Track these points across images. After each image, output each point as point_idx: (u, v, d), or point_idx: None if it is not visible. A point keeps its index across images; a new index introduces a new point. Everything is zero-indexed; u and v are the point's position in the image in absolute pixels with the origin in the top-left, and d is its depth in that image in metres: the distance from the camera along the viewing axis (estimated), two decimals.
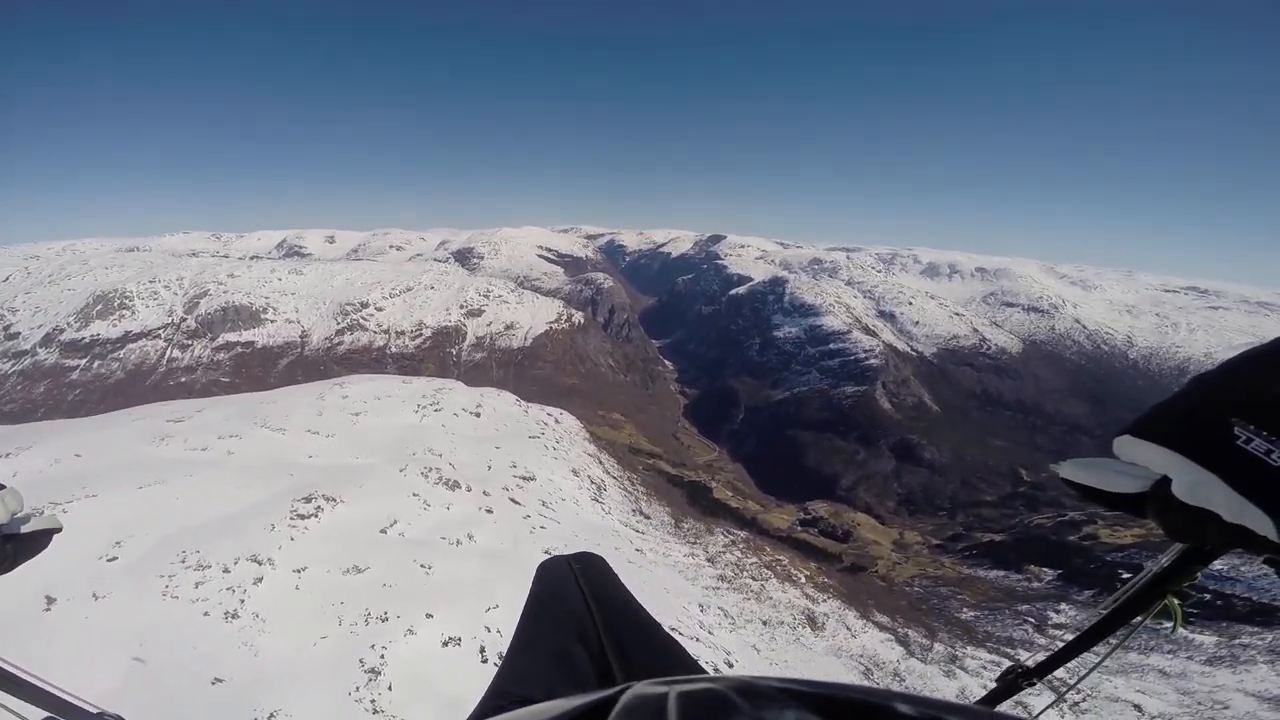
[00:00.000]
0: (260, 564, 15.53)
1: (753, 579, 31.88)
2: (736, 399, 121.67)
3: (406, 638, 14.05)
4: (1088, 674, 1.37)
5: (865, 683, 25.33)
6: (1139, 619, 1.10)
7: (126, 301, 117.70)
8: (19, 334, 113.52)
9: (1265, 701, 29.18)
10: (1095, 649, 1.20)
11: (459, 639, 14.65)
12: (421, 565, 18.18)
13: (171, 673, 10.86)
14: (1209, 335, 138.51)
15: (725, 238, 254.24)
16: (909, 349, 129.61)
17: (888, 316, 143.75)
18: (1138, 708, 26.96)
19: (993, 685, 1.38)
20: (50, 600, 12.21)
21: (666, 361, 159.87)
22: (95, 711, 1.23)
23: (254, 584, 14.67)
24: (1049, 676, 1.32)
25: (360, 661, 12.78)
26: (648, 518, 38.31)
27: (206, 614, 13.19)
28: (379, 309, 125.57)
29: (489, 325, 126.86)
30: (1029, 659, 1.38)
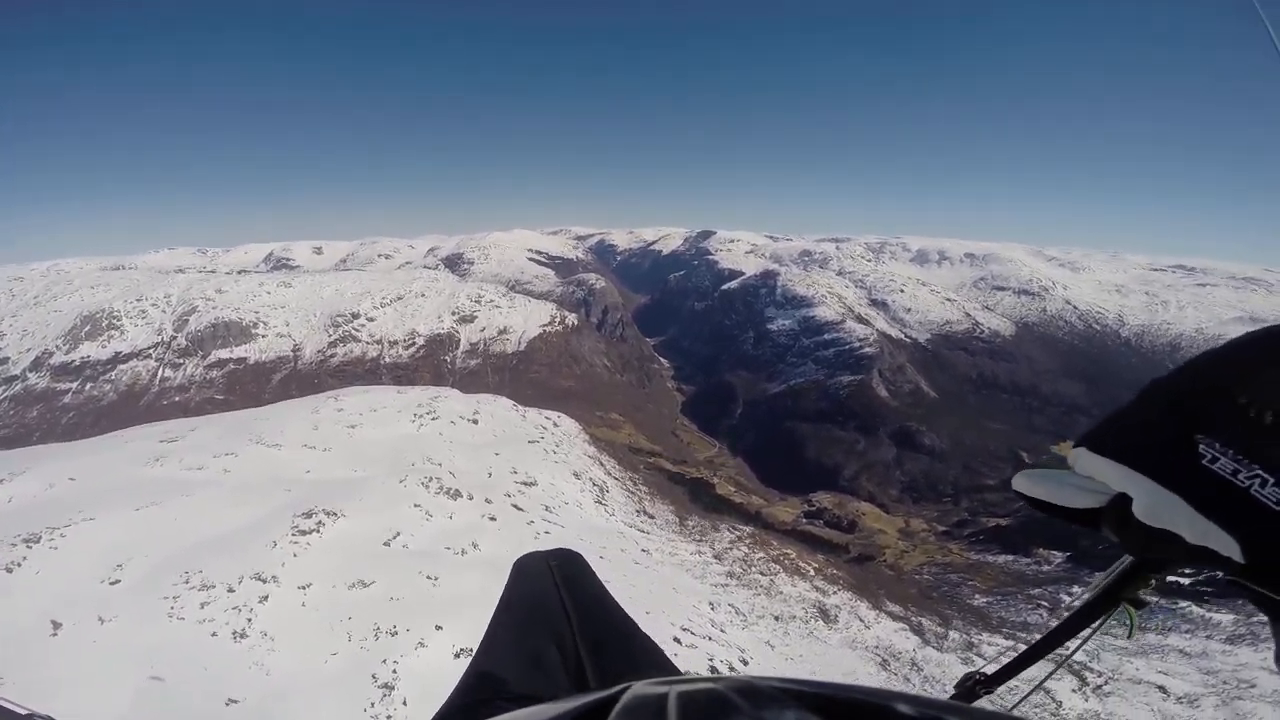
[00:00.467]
0: (265, 582, 15.25)
1: (761, 574, 31.72)
2: (734, 394, 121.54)
3: (418, 650, 13.82)
4: (1043, 681, 1.34)
5: (883, 674, 25.20)
6: (1092, 628, 1.06)
7: (115, 321, 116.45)
8: (8, 358, 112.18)
9: None
10: (1057, 653, 1.18)
11: (471, 649, 14.37)
12: (428, 577, 17.93)
13: (185, 695, 10.62)
14: (1199, 311, 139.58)
15: (715, 233, 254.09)
16: (903, 336, 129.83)
17: (880, 305, 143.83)
18: (1162, 689, 26.65)
19: (950, 692, 1.33)
20: (56, 625, 11.95)
21: (662, 359, 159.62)
22: (25, 713, 1.17)
23: (260, 602, 14.39)
24: (1007, 683, 1.30)
25: (373, 677, 12.54)
26: (652, 517, 38.09)
27: (214, 634, 12.94)
28: (370, 319, 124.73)
29: (482, 331, 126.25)
30: (986, 666, 1.35)
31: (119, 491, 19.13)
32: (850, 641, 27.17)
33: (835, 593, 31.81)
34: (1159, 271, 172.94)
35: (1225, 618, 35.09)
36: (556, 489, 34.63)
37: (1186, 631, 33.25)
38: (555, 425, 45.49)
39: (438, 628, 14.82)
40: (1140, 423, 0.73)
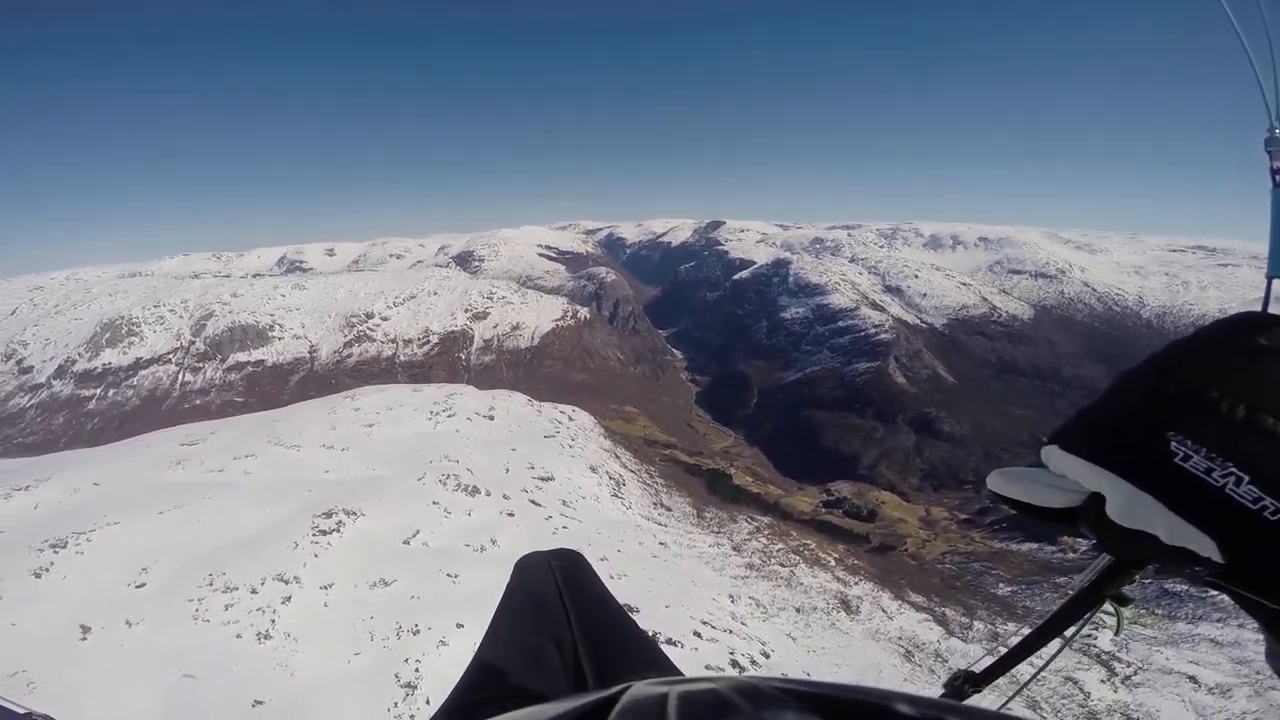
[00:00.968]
0: (287, 583, 15.31)
1: (781, 565, 31.49)
2: (748, 383, 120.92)
3: (439, 649, 13.81)
4: (1031, 680, 1.33)
5: (907, 665, 24.89)
6: (1076, 626, 1.06)
7: (134, 328, 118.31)
8: (32, 367, 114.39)
9: None
10: (1045, 652, 1.17)
11: None
12: (448, 574, 17.94)
13: (212, 697, 10.68)
14: (1220, 292, 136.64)
15: (724, 223, 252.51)
16: (919, 321, 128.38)
17: (894, 291, 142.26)
18: (1193, 679, 25.92)
19: (939, 692, 1.31)
20: (85, 629, 12.06)
21: (675, 351, 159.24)
22: (23, 712, 1.17)
23: (283, 603, 14.45)
24: (995, 682, 1.29)
25: (396, 676, 12.54)
26: (669, 510, 37.99)
27: (239, 636, 13.00)
28: (385, 318, 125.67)
29: (495, 327, 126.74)
30: (974, 665, 1.34)
31: (142, 496, 19.33)
32: (873, 633, 26.87)
33: (857, 583, 31.51)
34: (1179, 252, 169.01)
35: None
36: (573, 483, 34.62)
37: (1218, 620, 32.37)
38: (570, 419, 45.49)
39: (459, 625, 14.82)
40: (1110, 419, 0.71)
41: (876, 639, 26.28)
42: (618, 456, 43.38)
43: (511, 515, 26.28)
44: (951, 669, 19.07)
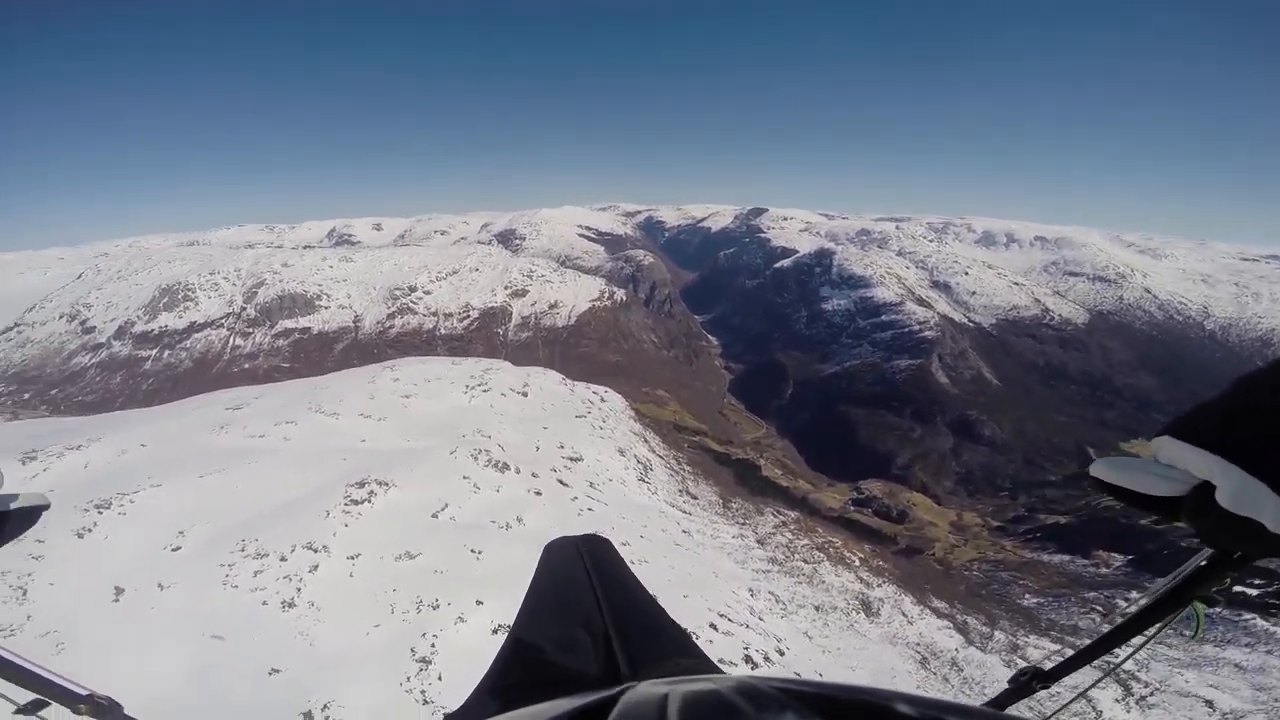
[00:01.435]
0: (316, 551, 15.77)
1: (804, 562, 31.18)
2: (784, 373, 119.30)
3: (457, 625, 14.06)
4: (1098, 681, 1.38)
5: (922, 672, 24.50)
6: (1158, 626, 1.06)
7: (190, 294, 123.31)
8: (95, 328, 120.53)
9: None
10: (1117, 651, 1.18)
11: (508, 626, 14.48)
12: (472, 550, 18.24)
13: (231, 663, 11.05)
14: None
15: (767, 210, 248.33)
16: (966, 320, 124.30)
17: (942, 287, 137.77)
18: (1209, 703, 25.33)
19: (1005, 686, 1.33)
20: (119, 591, 12.61)
21: (710, 337, 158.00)
22: (85, 693, 1.19)
23: (310, 572, 14.90)
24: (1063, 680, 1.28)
25: (412, 650, 12.82)
26: (695, 498, 37.91)
27: (265, 603, 13.44)
28: (427, 292, 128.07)
29: (533, 305, 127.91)
30: (1043, 661, 1.34)
31: (186, 459, 20.16)
32: (891, 637, 26.44)
33: (880, 585, 30.99)
34: (1251, 261, 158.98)
35: None
36: (601, 465, 34.80)
37: (1246, 644, 31.33)
38: (602, 401, 45.65)
39: (478, 602, 15.08)
40: (1229, 413, 0.74)
41: (894, 643, 25.86)
42: (646, 441, 43.39)
43: (539, 494, 26.58)
44: (967, 679, 18.70)
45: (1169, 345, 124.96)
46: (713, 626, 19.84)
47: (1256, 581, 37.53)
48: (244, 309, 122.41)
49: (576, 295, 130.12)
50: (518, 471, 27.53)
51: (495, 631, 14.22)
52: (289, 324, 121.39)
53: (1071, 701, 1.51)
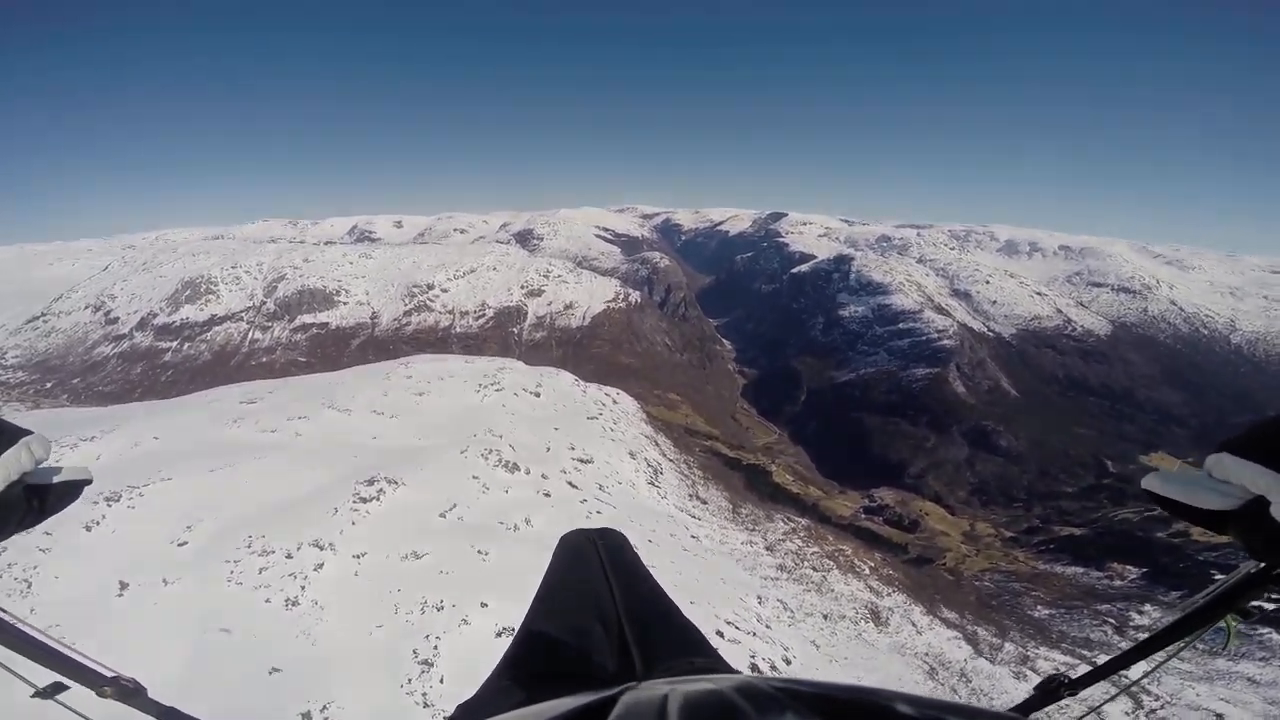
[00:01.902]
0: (322, 549, 15.79)
1: (814, 569, 30.83)
2: (798, 379, 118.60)
3: (460, 627, 13.98)
4: (1123, 690, 1.36)
5: (930, 682, 24.12)
6: (1190, 637, 1.07)
7: (212, 286, 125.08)
8: (118, 319, 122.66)
9: None
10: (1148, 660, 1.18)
11: (512, 629, 14.44)
12: (479, 551, 18.18)
13: (231, 661, 11.04)
14: None
15: (786, 215, 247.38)
16: (985, 329, 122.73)
17: (963, 295, 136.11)
18: (1219, 716, 25.18)
19: (1030, 693, 1.33)
20: (124, 585, 12.67)
21: (724, 341, 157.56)
22: (110, 674, 1.19)
23: (315, 570, 14.90)
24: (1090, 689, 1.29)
25: (414, 652, 12.75)
26: (704, 502, 37.66)
27: (268, 600, 13.44)
28: (444, 290, 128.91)
29: (549, 305, 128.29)
30: (1072, 670, 1.35)
31: (197, 452, 20.32)
32: (899, 646, 26.07)
33: (889, 594, 30.58)
34: None
35: None
36: (611, 467, 34.65)
37: (1261, 659, 30.96)
38: (614, 403, 45.51)
39: (483, 605, 14.99)
40: None
41: (902, 653, 25.49)
42: (657, 444, 43.18)
43: (548, 495, 26.49)
44: (975, 690, 18.31)
45: (1192, 359, 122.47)
46: (719, 634, 19.64)
47: (1275, 596, 36.76)
48: (264, 303, 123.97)
49: (592, 296, 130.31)
50: (527, 472, 27.47)
51: (499, 635, 14.13)
52: (307, 319, 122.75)
53: (1084, 717, 1.43)
